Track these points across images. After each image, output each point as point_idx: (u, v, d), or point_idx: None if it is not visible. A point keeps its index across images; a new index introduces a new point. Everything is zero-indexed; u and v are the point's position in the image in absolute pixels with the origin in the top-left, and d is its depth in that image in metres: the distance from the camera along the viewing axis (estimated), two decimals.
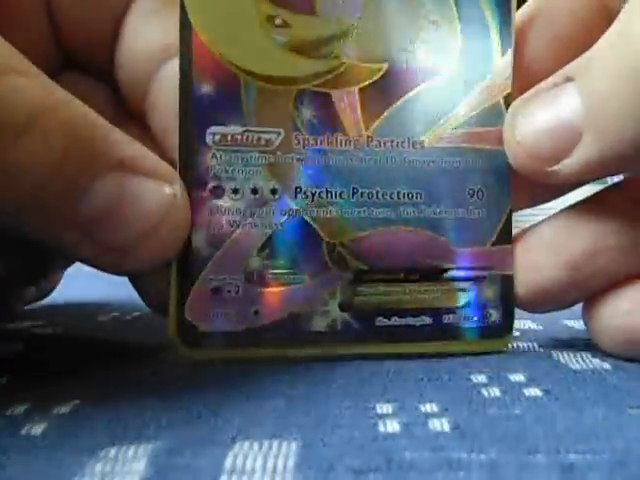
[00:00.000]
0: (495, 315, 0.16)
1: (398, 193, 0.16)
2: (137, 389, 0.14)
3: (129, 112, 0.18)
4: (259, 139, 0.15)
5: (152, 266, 0.15)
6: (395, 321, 0.16)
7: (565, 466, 0.09)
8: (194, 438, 0.11)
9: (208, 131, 0.15)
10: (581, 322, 0.16)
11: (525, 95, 0.16)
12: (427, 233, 0.16)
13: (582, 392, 0.13)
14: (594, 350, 0.16)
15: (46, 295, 0.24)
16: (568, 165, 0.14)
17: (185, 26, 0.15)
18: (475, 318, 0.16)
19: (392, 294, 0.16)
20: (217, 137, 0.15)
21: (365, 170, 0.16)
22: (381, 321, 0.16)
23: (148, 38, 0.17)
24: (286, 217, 0.15)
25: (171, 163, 0.15)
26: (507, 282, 0.16)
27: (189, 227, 0.15)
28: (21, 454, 0.10)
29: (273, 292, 0.15)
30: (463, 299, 0.16)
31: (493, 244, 0.16)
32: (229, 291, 0.15)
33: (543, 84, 0.15)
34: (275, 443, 0.10)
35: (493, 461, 0.10)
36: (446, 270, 0.16)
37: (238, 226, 0.15)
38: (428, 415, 0.12)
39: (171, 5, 0.16)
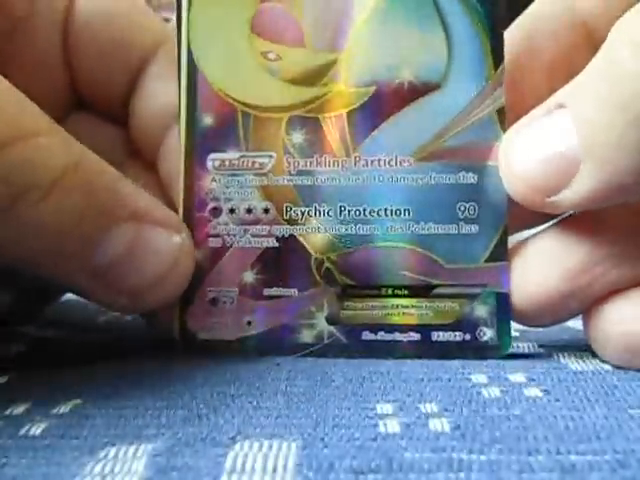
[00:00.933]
0: (489, 334, 0.16)
1: (385, 210, 0.16)
2: (137, 389, 0.14)
3: (137, 153, 0.19)
4: (254, 163, 0.17)
5: (160, 307, 0.16)
6: (382, 336, 0.16)
7: (566, 467, 0.09)
8: (194, 438, 0.11)
9: (209, 158, 0.17)
10: (581, 322, 0.16)
11: (518, 123, 0.15)
12: (415, 249, 0.16)
13: (582, 392, 0.13)
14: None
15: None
16: (568, 196, 0.14)
17: (191, 66, 0.17)
18: (467, 337, 0.16)
19: (379, 309, 0.16)
20: (217, 163, 0.17)
21: (352, 189, 0.16)
22: (367, 335, 0.16)
23: (164, 97, 0.18)
24: (277, 234, 0.16)
25: (176, 209, 0.17)
26: (502, 300, 0.16)
27: (193, 270, 0.16)
28: (21, 454, 0.10)
29: (265, 304, 0.16)
30: (453, 317, 0.16)
31: (487, 260, 0.16)
32: (225, 302, 0.17)
33: (535, 111, 0.15)
34: (275, 443, 0.10)
35: (493, 462, 0.10)
36: (435, 287, 0.16)
37: (234, 243, 0.16)
38: (428, 415, 0.12)
39: None
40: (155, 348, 0.18)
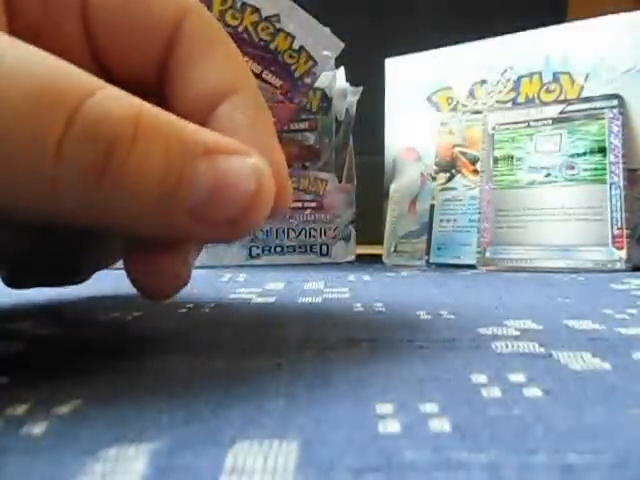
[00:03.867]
0: None
1: None
2: (137, 389, 0.14)
3: None
4: None
5: (256, 227, 0.15)
6: None
7: (565, 466, 0.09)
8: (194, 438, 0.11)
9: None
10: (581, 322, 0.16)
11: None
12: None
13: (582, 392, 0.13)
14: (594, 350, 0.16)
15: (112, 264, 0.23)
16: None
17: None
18: None
19: None
20: None
21: None
22: None
23: (203, 82, 0.17)
24: None
25: None
26: None
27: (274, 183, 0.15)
28: (21, 454, 0.10)
29: None
30: None
31: None
32: None
33: None
34: (275, 443, 0.10)
35: (493, 461, 0.10)
36: None
37: None
38: (428, 415, 0.12)
39: (217, 44, 0.17)
40: (155, 348, 0.18)
